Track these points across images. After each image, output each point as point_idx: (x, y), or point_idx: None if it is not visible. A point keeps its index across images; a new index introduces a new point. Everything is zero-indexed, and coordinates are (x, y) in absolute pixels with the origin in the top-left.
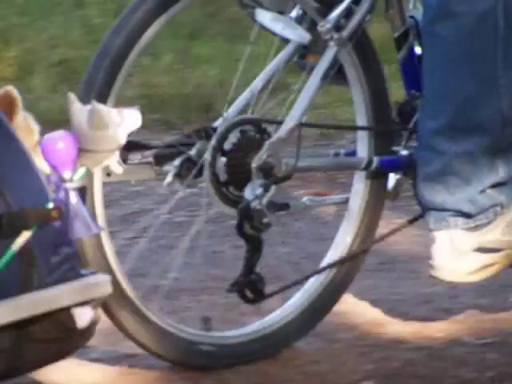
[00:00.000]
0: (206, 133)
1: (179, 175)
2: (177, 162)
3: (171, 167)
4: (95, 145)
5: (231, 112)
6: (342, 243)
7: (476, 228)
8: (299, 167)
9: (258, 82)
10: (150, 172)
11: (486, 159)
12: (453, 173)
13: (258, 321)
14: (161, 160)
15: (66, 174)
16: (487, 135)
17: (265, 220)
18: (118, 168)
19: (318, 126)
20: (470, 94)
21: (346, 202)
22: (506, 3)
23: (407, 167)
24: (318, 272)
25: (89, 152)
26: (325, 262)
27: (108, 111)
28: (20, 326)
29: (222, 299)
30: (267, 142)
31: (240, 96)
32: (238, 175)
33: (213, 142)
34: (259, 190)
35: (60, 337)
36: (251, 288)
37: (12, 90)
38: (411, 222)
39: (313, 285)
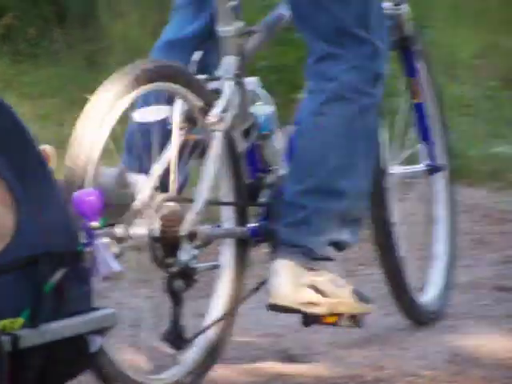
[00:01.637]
0: None
1: None
2: None
3: None
4: (116, 200)
5: None
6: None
7: (313, 270)
8: (215, 234)
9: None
10: None
11: (338, 221)
12: (309, 223)
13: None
14: None
15: (93, 223)
16: (345, 202)
17: (196, 277)
18: (130, 222)
19: (214, 204)
20: (339, 164)
21: (217, 267)
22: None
23: (261, 236)
24: (208, 328)
25: (110, 206)
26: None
27: (128, 173)
28: (48, 348)
29: None
30: (188, 215)
31: None
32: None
33: None
34: (195, 252)
35: (76, 359)
36: (178, 337)
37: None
38: (260, 285)
39: (202, 341)
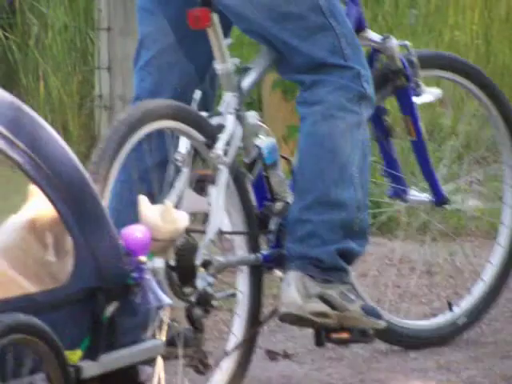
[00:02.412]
0: None
1: None
2: None
3: None
4: (163, 235)
5: None
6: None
7: (323, 280)
8: (228, 262)
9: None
10: None
11: (343, 231)
12: (315, 235)
13: None
14: None
15: (142, 258)
16: (346, 213)
17: (214, 303)
18: (172, 255)
19: (232, 233)
20: (336, 177)
21: (234, 295)
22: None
23: (273, 261)
24: (230, 353)
25: (158, 241)
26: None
27: (173, 210)
28: (103, 378)
29: None
30: (202, 244)
31: None
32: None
33: None
34: (211, 279)
35: None
36: (202, 362)
37: None
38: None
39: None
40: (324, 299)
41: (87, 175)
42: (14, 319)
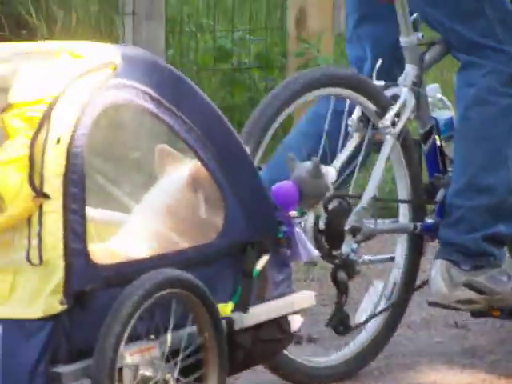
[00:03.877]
0: None
1: None
2: None
3: None
4: (312, 190)
5: None
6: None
7: (472, 267)
8: (378, 229)
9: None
10: None
11: (492, 215)
12: (465, 221)
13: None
14: None
15: (291, 212)
16: (495, 196)
17: (358, 268)
18: (322, 211)
19: (384, 200)
20: (486, 162)
21: (392, 259)
22: None
23: (434, 231)
24: (379, 313)
25: (306, 197)
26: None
27: (321, 166)
28: (254, 329)
29: None
30: (354, 211)
31: None
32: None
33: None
34: (355, 246)
35: (278, 338)
36: (342, 323)
37: None
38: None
39: (374, 324)
40: (471, 286)
41: (235, 132)
42: (170, 274)
